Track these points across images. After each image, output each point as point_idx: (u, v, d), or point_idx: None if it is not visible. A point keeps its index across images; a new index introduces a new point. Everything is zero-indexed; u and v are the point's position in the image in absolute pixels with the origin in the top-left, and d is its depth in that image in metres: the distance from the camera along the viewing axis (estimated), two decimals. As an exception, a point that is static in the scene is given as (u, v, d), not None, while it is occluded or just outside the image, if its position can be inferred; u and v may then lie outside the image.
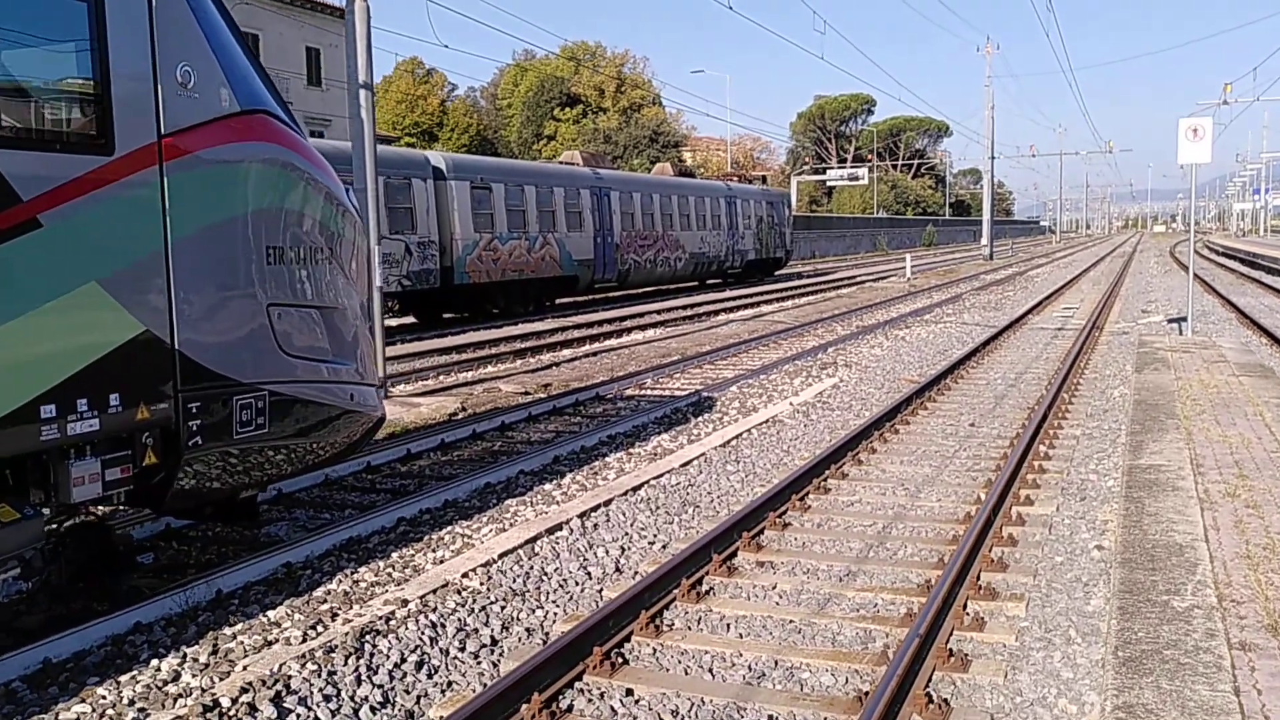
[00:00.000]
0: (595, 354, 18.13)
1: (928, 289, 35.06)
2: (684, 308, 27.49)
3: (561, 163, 31.36)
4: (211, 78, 5.35)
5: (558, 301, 28.58)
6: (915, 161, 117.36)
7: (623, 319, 24.27)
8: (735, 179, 43.39)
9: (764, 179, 49.80)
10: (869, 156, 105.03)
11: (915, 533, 7.48)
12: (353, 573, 6.33)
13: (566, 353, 18.46)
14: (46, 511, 4.83)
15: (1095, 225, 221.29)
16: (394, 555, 6.69)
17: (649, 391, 13.88)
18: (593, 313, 26.46)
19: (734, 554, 6.96)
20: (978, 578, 6.40)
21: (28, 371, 4.39)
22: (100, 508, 5.70)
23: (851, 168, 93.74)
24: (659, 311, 26.34)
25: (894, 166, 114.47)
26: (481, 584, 6.14)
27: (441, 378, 15.52)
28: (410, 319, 24.61)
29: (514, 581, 6.25)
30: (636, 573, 6.66)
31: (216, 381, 5.33)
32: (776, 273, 44.08)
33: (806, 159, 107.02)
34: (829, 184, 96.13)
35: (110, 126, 4.75)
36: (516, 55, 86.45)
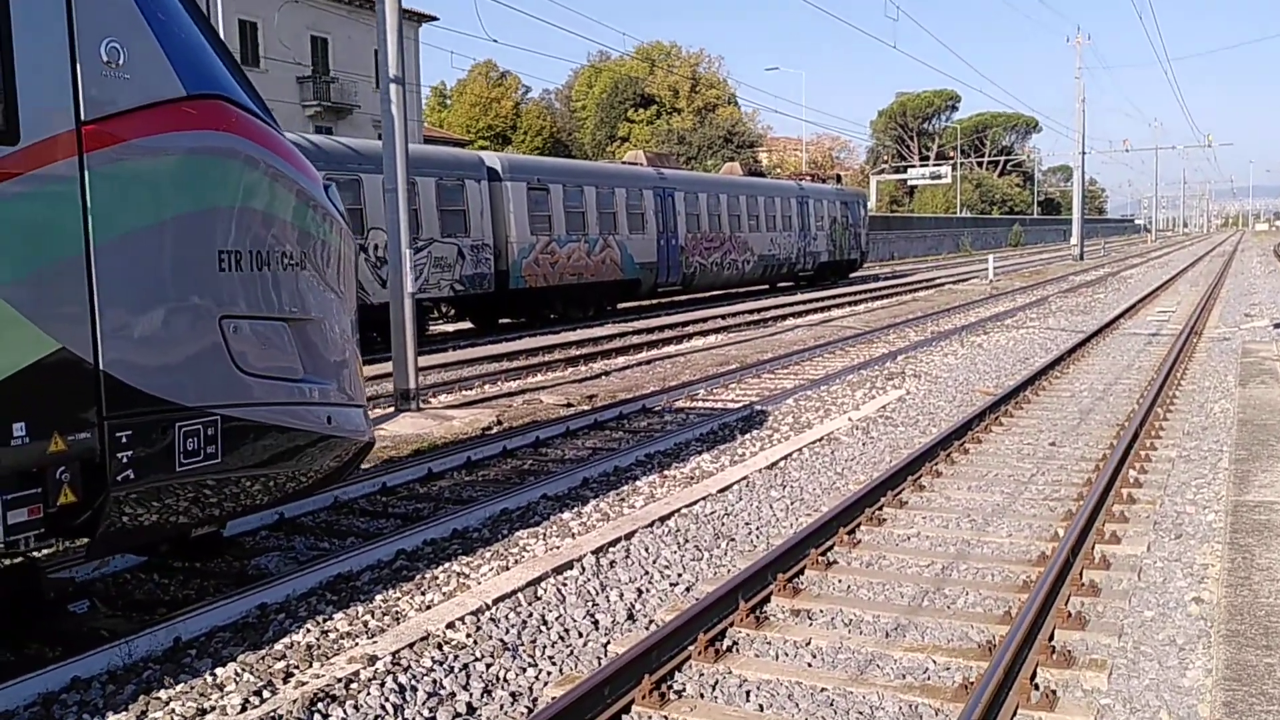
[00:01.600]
0: (650, 362, 17.31)
1: (1011, 291, 33.54)
2: (750, 312, 26.53)
3: (625, 163, 30.61)
4: (149, 57, 4.65)
5: (619, 306, 27.83)
6: (1002, 159, 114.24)
7: (684, 324, 23.42)
8: (808, 178, 42.21)
9: (839, 178, 48.46)
10: (952, 154, 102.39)
11: (980, 576, 6.51)
12: (327, 619, 5.60)
13: (621, 360, 17.67)
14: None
15: (1193, 223, 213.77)
16: (378, 598, 5.95)
17: (699, 404, 13.02)
18: (654, 317, 25.67)
19: (765, 599, 6.08)
20: (1051, 637, 5.44)
21: (-99, 399, 3.73)
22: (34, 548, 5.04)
23: (934, 166, 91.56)
24: (723, 316, 25.42)
25: (979, 164, 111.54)
26: (468, 636, 5.36)
27: (486, 387, 14.85)
28: (467, 324, 24.07)
29: (506, 633, 5.46)
30: (651, 622, 5.82)
31: (154, 406, 4.63)
32: (851, 275, 42.79)
33: (887, 158, 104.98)
34: (910, 183, 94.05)
35: (12, 112, 4.07)
36: (591, 57, 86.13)
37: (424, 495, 8.67)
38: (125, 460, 4.52)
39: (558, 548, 6.83)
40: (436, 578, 6.30)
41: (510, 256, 22.40)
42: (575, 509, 7.87)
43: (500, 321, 24.04)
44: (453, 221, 20.89)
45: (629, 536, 7.05)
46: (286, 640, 5.31)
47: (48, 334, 4.19)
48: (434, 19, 42.66)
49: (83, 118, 4.33)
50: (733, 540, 7.25)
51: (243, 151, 5.12)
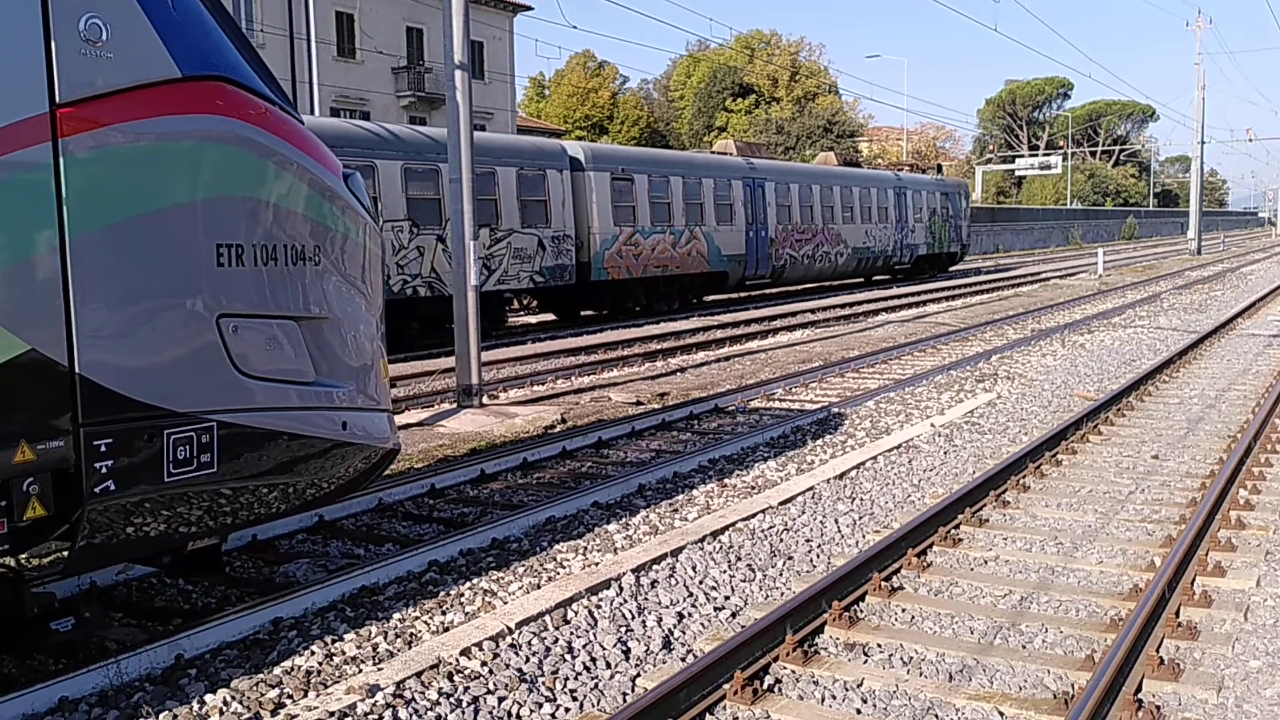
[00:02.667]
0: (729, 358, 16.73)
1: (1121, 287, 31.93)
2: (840, 306, 25.70)
3: (715, 152, 29.97)
4: (137, 35, 4.30)
5: (705, 299, 27.25)
6: (1116, 149, 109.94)
7: (771, 318, 22.75)
8: (907, 169, 40.93)
9: (939, 168, 46.95)
10: (1063, 144, 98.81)
11: (1062, 610, 5.83)
12: (336, 640, 5.23)
13: (700, 356, 17.13)
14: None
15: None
16: (396, 616, 5.56)
17: (774, 404, 12.41)
18: (741, 311, 25.04)
19: (818, 629, 5.52)
20: (1138, 689, 4.77)
21: None
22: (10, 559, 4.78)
23: (1044, 156, 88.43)
24: (812, 311, 24.66)
25: (1092, 154, 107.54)
26: (483, 664, 4.93)
27: (558, 382, 14.48)
28: (549, 316, 23.80)
29: (526, 661, 5.01)
30: (690, 652, 5.31)
31: (139, 412, 4.29)
32: (950, 269, 41.41)
33: (994, 148, 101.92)
34: (1018, 173, 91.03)
35: (-25, 93, 3.75)
36: (690, 46, 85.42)
37: (472, 499, 8.30)
38: (104, 471, 4.18)
39: (596, 564, 6.36)
40: (462, 595, 5.89)
41: (592, 248, 22.02)
42: (624, 519, 7.40)
43: (582, 314, 23.69)
44: (533, 212, 20.59)
45: (676, 553, 6.55)
46: (289, 663, 4.95)
47: (14, 334, 3.87)
48: (528, 9, 42.56)
49: (58, 100, 3.99)
50: (790, 559, 6.69)
51: (247, 137, 4.75)
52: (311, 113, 26.61)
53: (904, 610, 5.84)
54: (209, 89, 4.62)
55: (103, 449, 4.17)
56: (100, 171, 4.14)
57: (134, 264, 4.27)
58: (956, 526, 7.24)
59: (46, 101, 3.97)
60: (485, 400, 11.76)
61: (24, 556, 5.32)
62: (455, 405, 11.40)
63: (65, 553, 4.30)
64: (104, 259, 4.15)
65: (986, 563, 6.63)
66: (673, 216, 24.52)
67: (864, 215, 33.18)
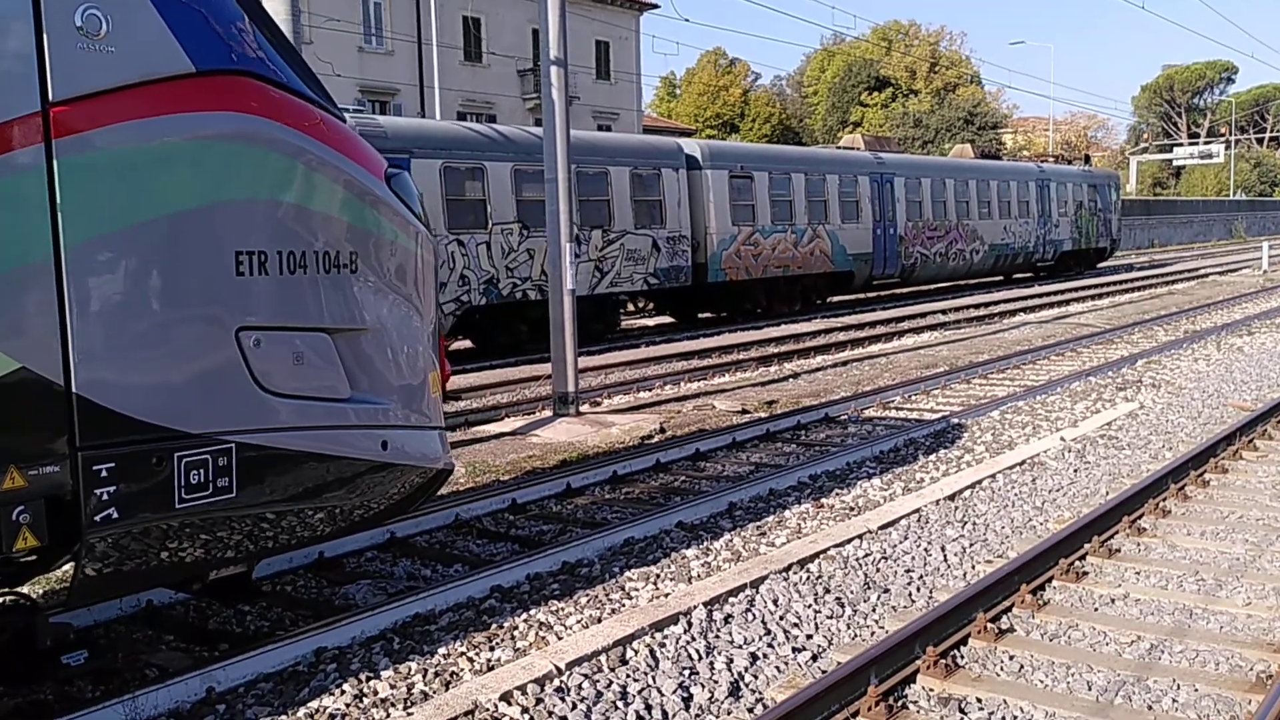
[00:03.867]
0: (847, 363, 15.95)
1: (1287, 284, 29.57)
2: (974, 306, 24.45)
3: (841, 147, 28.98)
4: (143, 27, 3.99)
5: (830, 300, 26.35)
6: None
7: (897, 320, 21.77)
8: (1052, 160, 38.95)
9: (1087, 159, 44.56)
10: (1225, 131, 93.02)
11: (1199, 663, 5.03)
12: (372, 677, 4.85)
13: (817, 360, 16.39)
14: None
15: None
16: (441, 651, 5.15)
17: (890, 413, 11.64)
18: (868, 312, 24.09)
19: (909, 679, 4.88)
20: (1288, 773, 3.98)
21: None
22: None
23: (1205, 144, 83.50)
24: (943, 311, 23.52)
25: (1258, 141, 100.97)
26: (523, 712, 4.47)
27: (666, 388, 14.00)
28: (666, 319, 23.35)
29: (572, 709, 4.52)
30: (760, 700, 4.74)
31: (144, 434, 3.98)
32: (1099, 265, 39.23)
33: (1150, 136, 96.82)
34: (1176, 163, 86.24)
35: (-46, 93, 3.49)
36: (825, 40, 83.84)
37: (554, 515, 7.88)
38: (105, 497, 3.88)
39: (667, 594, 5.84)
40: (516, 627, 5.45)
41: (709, 248, 21.45)
42: (705, 543, 6.85)
43: (699, 316, 23.15)
44: (647, 212, 20.17)
45: (757, 584, 5.97)
46: (316, 704, 4.59)
47: (2, 352, 3.59)
48: (654, 6, 42.24)
49: (50, 98, 3.70)
50: (886, 592, 6.03)
51: (271, 136, 4.40)
52: (436, 117, 26.83)
53: (1011, 658, 5.13)
54: (228, 84, 4.29)
55: (103, 474, 3.87)
56: (99, 175, 3.84)
57: (139, 274, 3.96)
58: (1082, 558, 6.45)
59: (38, 100, 3.68)
60: (584, 408, 11.37)
61: (40, 585, 5.17)
62: (551, 414, 11.04)
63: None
64: (104, 269, 3.85)
65: (1114, 602, 5.84)
66: (794, 215, 23.74)
67: (1002, 210, 31.62)
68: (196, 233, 4.13)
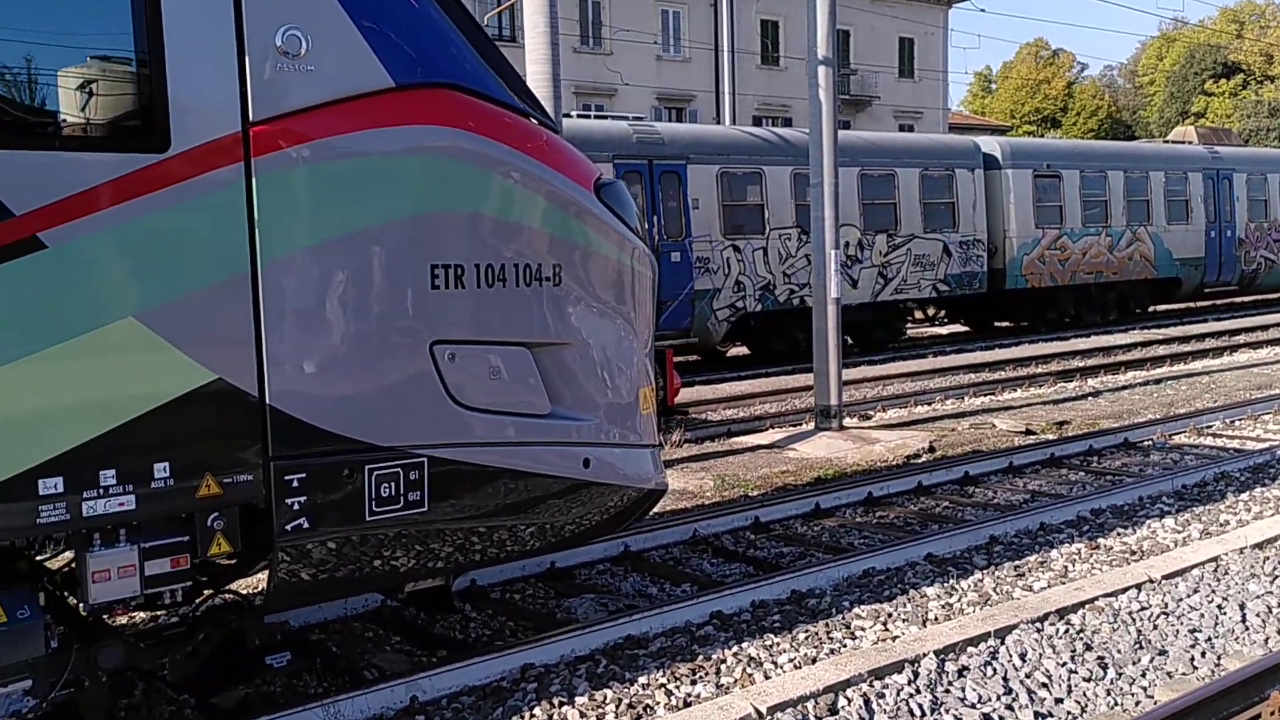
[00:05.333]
0: (1161, 381, 14.31)
1: None
2: (1330, 318, 21.38)
3: (1168, 141, 26.22)
4: (342, 45, 4.03)
5: (1151, 310, 23.89)
6: None
7: (1230, 333, 19.40)
8: None
9: None
10: None
11: None
12: (565, 702, 4.68)
13: (1127, 376, 14.83)
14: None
15: None
16: (641, 680, 4.91)
17: (1204, 441, 10.25)
18: (1195, 323, 21.65)
19: (1172, 769, 4.12)
20: None
21: (19, 434, 3.43)
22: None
23: None
24: (1289, 323, 20.72)
25: None
26: (709, 759, 4.15)
27: (948, 402, 13.14)
28: (959, 327, 22.07)
29: (764, 762, 4.16)
30: (984, 774, 4.16)
31: (336, 446, 4.03)
32: None
33: None
34: None
35: (162, 114, 3.64)
36: (1163, 26, 76.87)
37: (796, 537, 7.48)
38: (296, 507, 3.95)
39: (895, 637, 5.31)
40: (725, 660, 5.12)
41: (1008, 253, 20.03)
42: (951, 581, 6.22)
43: (996, 325, 21.69)
44: (938, 215, 19.11)
45: (1002, 633, 5.31)
46: (505, 726, 4.49)
47: (200, 363, 3.73)
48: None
49: (251, 118, 3.81)
50: (1162, 654, 5.18)
51: (471, 149, 4.34)
52: (729, 122, 26.90)
53: (1312, 754, 4.22)
54: (428, 97, 4.28)
55: (294, 484, 3.95)
56: (297, 191, 3.91)
57: (332, 289, 4.00)
58: None
59: (239, 120, 3.79)
60: (850, 422, 10.84)
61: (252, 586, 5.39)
62: (812, 427, 10.59)
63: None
64: (299, 283, 3.92)
65: None
66: (1109, 216, 21.72)
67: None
68: (391, 247, 4.14)
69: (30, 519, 3.47)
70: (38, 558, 4.14)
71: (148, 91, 3.63)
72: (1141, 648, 5.24)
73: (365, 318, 4.09)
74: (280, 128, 3.88)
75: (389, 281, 4.14)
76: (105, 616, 3.97)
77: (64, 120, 3.57)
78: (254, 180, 3.81)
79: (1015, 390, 13.99)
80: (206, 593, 4.46)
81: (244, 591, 4.93)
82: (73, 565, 3.91)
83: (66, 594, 4.22)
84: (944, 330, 22.57)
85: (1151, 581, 6.02)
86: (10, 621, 3.54)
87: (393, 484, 4.18)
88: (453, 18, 4.52)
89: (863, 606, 5.79)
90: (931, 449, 9.98)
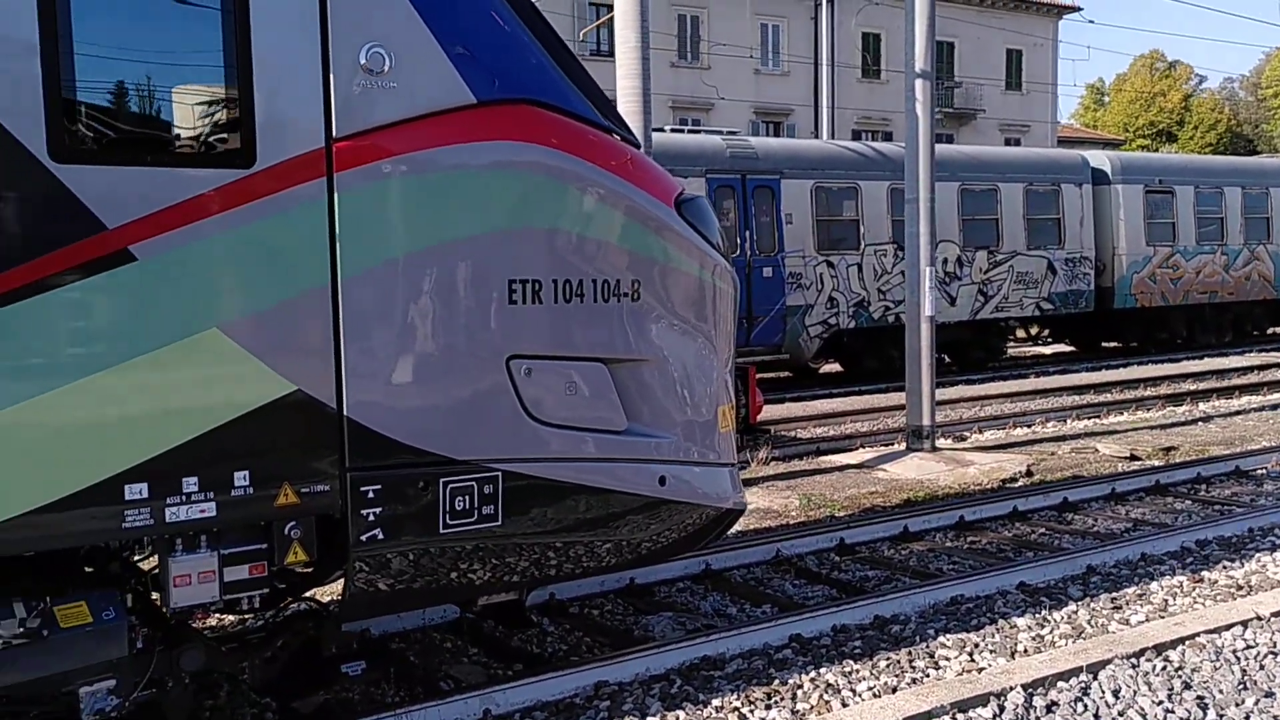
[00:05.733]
0: (1278, 406, 13.63)
1: None
2: None
3: (1291, 155, 25.09)
4: (425, 62, 4.08)
5: (1271, 331, 22.82)
6: None
7: (1356, 356, 18.42)
8: None
9: None
10: None
11: None
12: (637, 722, 4.65)
13: (1241, 401, 14.20)
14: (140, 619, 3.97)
15: None
16: (715, 702, 4.83)
17: (1323, 470, 9.72)
18: (1319, 346, 20.63)
19: (1275, 822, 3.88)
20: None
21: (107, 441, 3.53)
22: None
23: None
24: None
25: None
26: (781, 787, 4.06)
27: (1049, 424, 12.74)
28: (1065, 347, 21.41)
29: (837, 793, 4.04)
30: (1070, 817, 3.98)
31: (411, 458, 4.07)
32: None
33: None
34: None
35: (248, 131, 3.73)
36: (1287, 35, 73.71)
37: (882, 560, 7.30)
38: (372, 518, 4.00)
39: (980, 669, 5.13)
40: (801, 686, 5.01)
41: (1117, 271, 19.36)
42: (1044, 611, 5.99)
43: (1104, 345, 20.97)
44: (1042, 231, 18.58)
45: (1095, 668, 5.08)
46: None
47: (280, 375, 3.80)
48: (1075, 9, 39.18)
49: (334, 134, 3.87)
50: (1268, 697, 4.90)
51: (550, 164, 4.35)
52: (826, 136, 26.63)
53: None
54: (508, 113, 4.30)
55: (370, 495, 3.99)
56: (377, 207, 3.97)
57: (411, 302, 4.05)
58: None
59: (323, 136, 3.86)
60: (943, 443, 10.58)
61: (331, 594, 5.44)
62: (904, 447, 10.36)
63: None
64: (378, 297, 3.97)
65: None
66: (1227, 234, 20.85)
67: None
68: (469, 262, 4.16)
69: (116, 523, 3.57)
70: (133, 559, 4.26)
71: (235, 109, 3.72)
72: (1246, 688, 4.96)
73: (442, 332, 4.12)
74: (362, 143, 3.94)
75: (466, 296, 4.17)
76: (188, 620, 4.07)
77: (154, 138, 3.67)
78: (336, 195, 3.88)
79: (1121, 414, 13.50)
80: (285, 600, 4.54)
81: (324, 599, 5.00)
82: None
83: (155, 596, 4.34)
84: (1047, 350, 21.92)
85: (1259, 619, 5.71)
86: (96, 622, 3.64)
87: (467, 497, 4.20)
88: (536, 33, 4.54)
89: (948, 635, 5.62)
90: (1029, 473, 9.67)
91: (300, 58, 3.83)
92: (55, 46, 3.41)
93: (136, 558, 4.25)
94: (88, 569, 4.02)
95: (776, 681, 5.06)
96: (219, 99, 3.73)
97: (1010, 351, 20.66)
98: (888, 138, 34.18)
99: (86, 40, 3.48)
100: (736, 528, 8.01)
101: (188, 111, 3.73)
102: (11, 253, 3.35)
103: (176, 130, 3.71)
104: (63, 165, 3.41)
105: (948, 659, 5.31)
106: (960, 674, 5.09)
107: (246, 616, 5.32)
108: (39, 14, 3.37)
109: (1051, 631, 5.69)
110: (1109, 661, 5.14)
